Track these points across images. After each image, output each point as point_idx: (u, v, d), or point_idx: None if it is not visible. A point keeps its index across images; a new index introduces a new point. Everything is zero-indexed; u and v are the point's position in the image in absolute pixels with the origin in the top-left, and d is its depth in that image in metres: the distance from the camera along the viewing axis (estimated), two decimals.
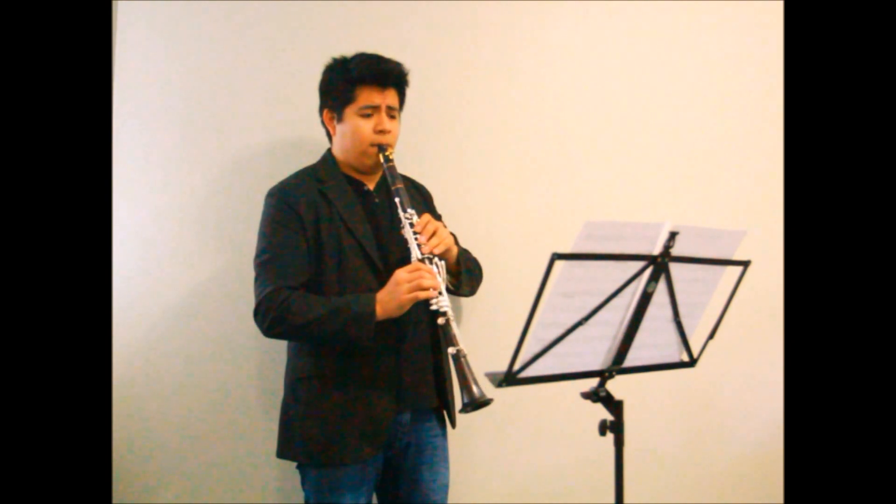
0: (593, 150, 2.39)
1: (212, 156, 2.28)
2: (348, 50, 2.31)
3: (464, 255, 2.02)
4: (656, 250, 1.40)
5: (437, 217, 2.09)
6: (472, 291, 2.07)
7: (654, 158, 2.40)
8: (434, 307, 1.78)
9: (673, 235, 1.39)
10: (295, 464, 1.94)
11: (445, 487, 1.99)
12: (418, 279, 1.77)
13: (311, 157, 2.27)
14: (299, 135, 2.28)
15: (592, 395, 1.50)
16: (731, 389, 2.40)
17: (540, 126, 2.36)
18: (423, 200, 2.08)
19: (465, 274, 1.98)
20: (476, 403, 1.70)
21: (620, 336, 1.46)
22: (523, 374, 1.38)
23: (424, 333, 1.91)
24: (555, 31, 2.39)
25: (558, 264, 1.31)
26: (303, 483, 1.92)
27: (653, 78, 2.42)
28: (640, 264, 1.39)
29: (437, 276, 1.80)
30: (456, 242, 2.02)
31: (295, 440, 1.88)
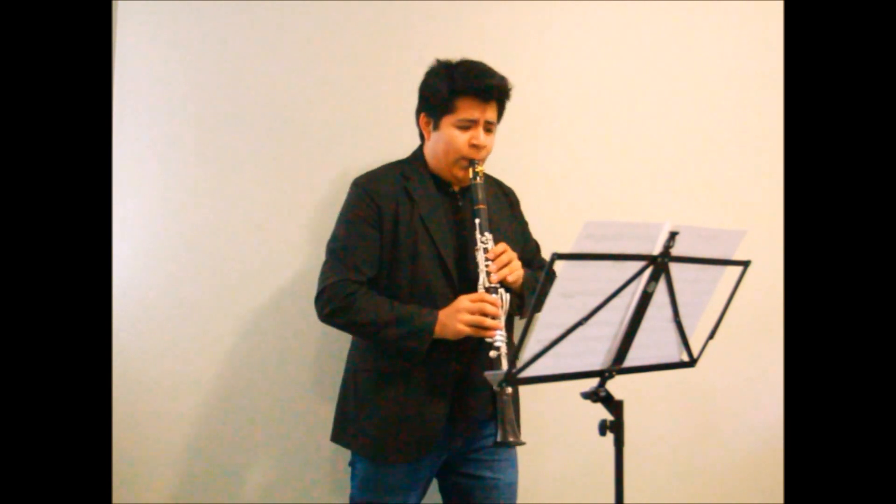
0: (593, 150, 2.39)
1: (212, 155, 2.27)
2: (351, 47, 2.31)
3: (532, 277, 1.95)
4: (656, 250, 1.40)
5: (523, 223, 2.10)
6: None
7: (654, 158, 2.40)
8: (489, 339, 1.78)
9: (673, 235, 1.39)
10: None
11: (511, 486, 2.00)
12: (479, 311, 1.78)
13: (316, 154, 2.26)
14: (304, 133, 2.28)
15: (592, 395, 1.50)
16: (731, 389, 2.39)
17: (539, 126, 2.36)
18: (508, 205, 2.07)
19: (528, 298, 1.94)
20: (507, 444, 1.73)
21: (620, 336, 1.46)
22: (523, 375, 1.38)
23: (484, 353, 1.85)
24: (554, 30, 2.38)
25: (558, 264, 1.31)
26: (351, 479, 1.95)
27: (653, 78, 2.41)
28: (640, 264, 1.39)
29: (499, 308, 1.79)
30: (535, 257, 2.06)
31: (349, 430, 1.92)
